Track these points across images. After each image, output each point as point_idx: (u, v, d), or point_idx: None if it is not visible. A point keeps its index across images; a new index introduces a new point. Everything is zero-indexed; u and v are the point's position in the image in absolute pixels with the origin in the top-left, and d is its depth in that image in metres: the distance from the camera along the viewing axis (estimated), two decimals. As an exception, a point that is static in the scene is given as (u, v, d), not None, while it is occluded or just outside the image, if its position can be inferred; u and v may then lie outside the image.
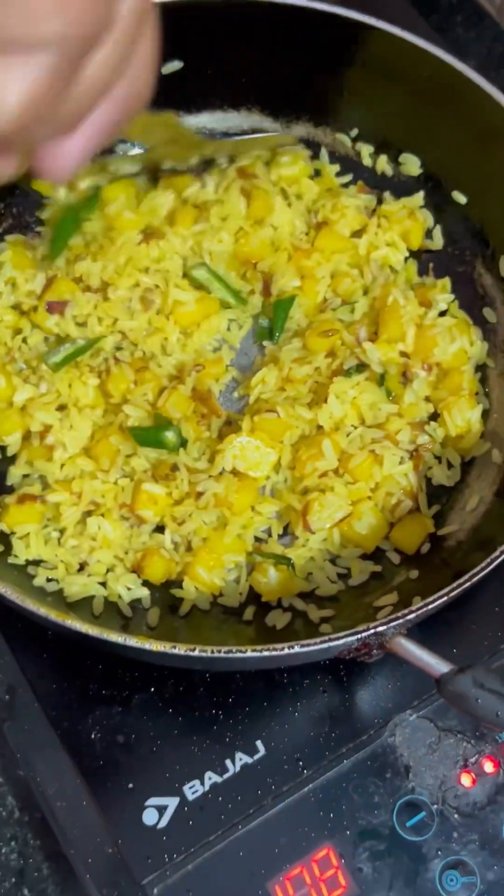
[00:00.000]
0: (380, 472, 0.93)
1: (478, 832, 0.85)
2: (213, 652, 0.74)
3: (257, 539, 0.93)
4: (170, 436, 0.92)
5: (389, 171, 1.10)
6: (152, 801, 0.84)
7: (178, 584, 0.91)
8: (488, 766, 0.87)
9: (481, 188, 1.03)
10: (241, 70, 1.08)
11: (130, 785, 0.85)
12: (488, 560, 0.78)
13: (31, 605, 0.76)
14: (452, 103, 1.01)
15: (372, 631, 0.75)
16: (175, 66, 1.05)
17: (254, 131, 1.12)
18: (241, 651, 0.74)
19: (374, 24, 0.99)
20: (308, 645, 0.74)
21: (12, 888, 0.88)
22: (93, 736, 0.86)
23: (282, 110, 1.11)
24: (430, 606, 0.76)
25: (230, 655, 0.74)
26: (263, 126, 1.12)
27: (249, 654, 0.74)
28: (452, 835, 0.85)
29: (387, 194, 1.08)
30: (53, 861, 0.89)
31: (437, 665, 0.75)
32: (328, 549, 0.92)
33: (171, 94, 1.06)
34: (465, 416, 0.96)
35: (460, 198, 1.05)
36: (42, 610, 0.76)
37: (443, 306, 1.02)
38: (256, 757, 0.86)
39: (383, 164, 1.09)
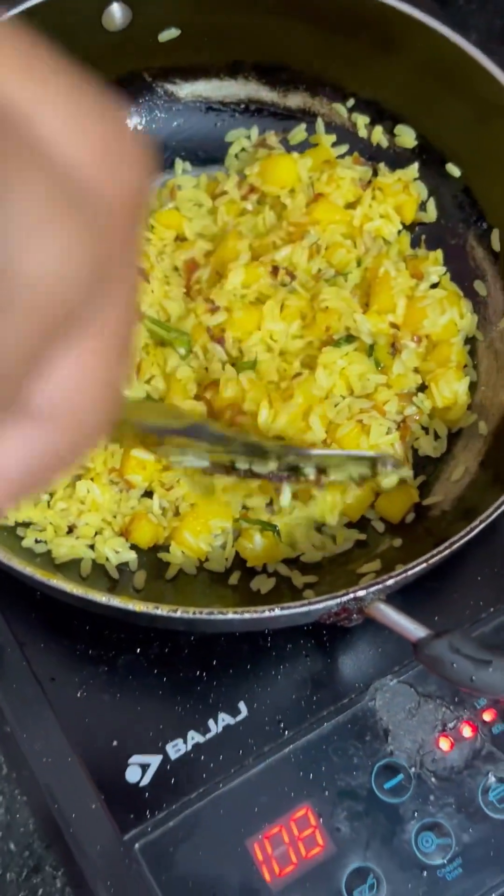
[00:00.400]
0: (367, 442, 0.94)
1: (454, 795, 0.87)
2: (195, 613, 0.76)
3: (244, 507, 0.94)
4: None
5: (385, 142, 1.10)
6: (135, 758, 0.86)
7: (165, 548, 0.93)
8: (466, 731, 0.89)
9: (476, 162, 1.04)
10: (238, 39, 1.08)
11: (115, 743, 0.87)
12: (468, 529, 0.79)
13: (17, 564, 0.78)
14: (451, 78, 1.01)
15: (351, 595, 0.76)
16: (172, 33, 1.06)
17: (250, 100, 1.12)
18: (222, 613, 0.76)
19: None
20: (288, 608, 0.76)
21: (-2, 842, 0.91)
22: (79, 694, 0.88)
23: (278, 79, 1.12)
24: (408, 573, 0.77)
25: (212, 617, 0.76)
26: (260, 95, 1.12)
27: (231, 615, 0.76)
28: (429, 798, 0.86)
29: (382, 165, 1.09)
30: (39, 816, 0.91)
31: (414, 630, 0.76)
32: (314, 517, 0.94)
33: (167, 62, 1.09)
34: (452, 388, 0.97)
35: (454, 171, 1.05)
36: (28, 569, 0.77)
37: (434, 279, 1.03)
38: (239, 718, 0.88)
39: (378, 136, 1.10)
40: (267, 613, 0.76)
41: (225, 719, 0.88)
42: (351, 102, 1.10)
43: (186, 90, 1.12)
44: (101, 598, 0.76)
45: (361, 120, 1.10)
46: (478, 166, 1.04)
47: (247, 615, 0.76)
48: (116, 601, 0.76)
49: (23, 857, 0.90)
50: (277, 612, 0.76)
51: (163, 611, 0.76)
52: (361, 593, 0.76)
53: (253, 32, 1.07)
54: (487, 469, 0.94)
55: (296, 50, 1.08)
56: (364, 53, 1.05)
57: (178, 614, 0.76)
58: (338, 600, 0.76)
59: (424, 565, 0.78)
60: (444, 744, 0.88)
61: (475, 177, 1.05)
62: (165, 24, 1.05)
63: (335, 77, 1.10)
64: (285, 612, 0.76)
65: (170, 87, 1.11)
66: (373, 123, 1.10)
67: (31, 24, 0.90)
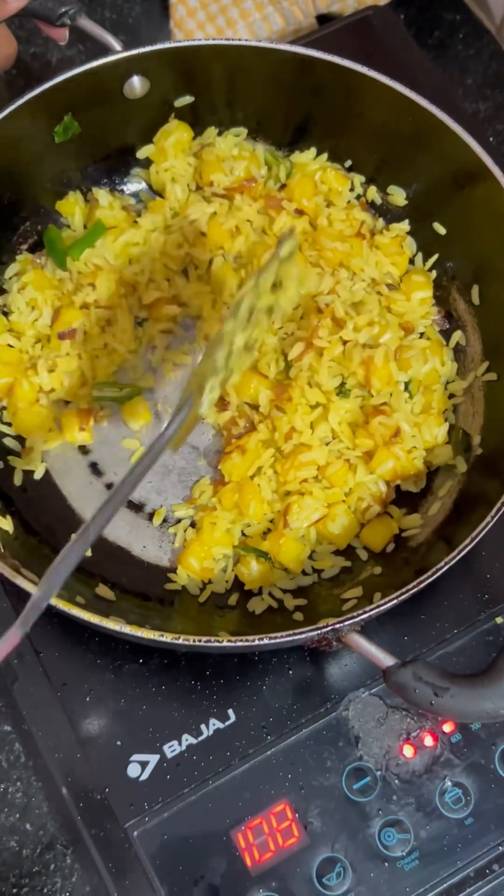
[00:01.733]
0: (353, 479, 1.05)
1: (414, 796, 0.98)
2: (195, 641, 0.86)
3: (244, 534, 1.05)
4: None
5: (378, 199, 1.20)
6: (136, 756, 0.97)
7: (172, 570, 1.04)
8: (428, 740, 1.00)
9: (458, 222, 1.13)
10: (247, 105, 1.18)
11: (118, 742, 0.98)
12: (433, 570, 0.89)
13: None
14: (431, 144, 1.11)
15: (330, 627, 0.87)
16: (186, 100, 1.15)
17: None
18: (218, 640, 0.87)
19: (365, 73, 1.07)
20: (275, 638, 0.86)
21: (17, 822, 1.02)
22: (87, 699, 0.99)
23: (284, 142, 1.21)
24: (380, 608, 0.88)
25: (209, 644, 0.86)
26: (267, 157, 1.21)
27: (225, 643, 0.87)
28: (392, 798, 0.98)
29: (380, 221, 1.19)
30: (52, 801, 1.03)
31: (383, 658, 0.86)
32: (305, 545, 1.04)
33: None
34: (433, 433, 1.07)
35: (440, 229, 1.15)
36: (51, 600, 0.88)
37: (422, 329, 1.13)
38: (228, 723, 0.99)
39: (373, 194, 1.19)
40: (256, 642, 0.86)
41: (216, 724, 0.99)
42: (349, 163, 1.20)
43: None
44: (115, 626, 0.87)
45: (357, 179, 1.20)
46: (459, 226, 1.13)
47: (239, 643, 0.86)
48: (127, 629, 0.87)
49: (37, 836, 1.02)
50: (266, 640, 0.86)
51: (167, 638, 0.86)
52: (339, 626, 0.87)
53: (260, 100, 1.17)
54: (461, 506, 1.04)
55: (299, 117, 1.18)
56: (358, 120, 1.15)
57: (181, 641, 0.86)
58: (318, 632, 0.87)
59: (395, 601, 0.88)
60: (408, 750, 0.99)
61: (457, 235, 1.14)
62: (180, 91, 1.14)
63: (334, 141, 1.19)
64: (272, 641, 0.87)
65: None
66: (368, 183, 1.20)
67: (60, 96, 1.01)
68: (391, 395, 1.06)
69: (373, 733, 1.00)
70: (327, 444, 1.05)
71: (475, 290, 1.11)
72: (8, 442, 1.08)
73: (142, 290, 1.13)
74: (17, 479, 1.06)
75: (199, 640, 0.87)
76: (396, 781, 0.98)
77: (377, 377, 1.05)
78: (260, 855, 0.95)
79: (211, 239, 1.14)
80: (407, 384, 1.08)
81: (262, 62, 1.11)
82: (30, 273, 1.11)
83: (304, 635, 0.87)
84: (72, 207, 1.16)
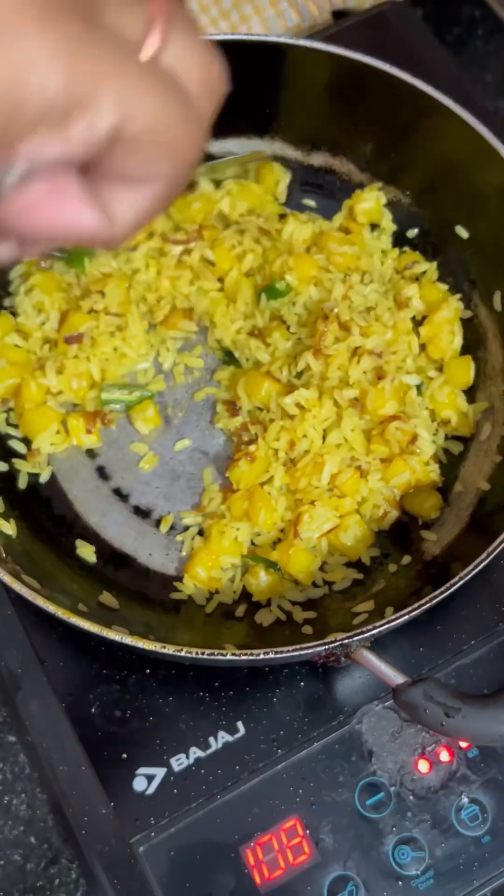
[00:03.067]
0: (366, 487, 1.02)
1: (430, 813, 0.95)
2: (198, 653, 0.84)
3: (253, 543, 1.02)
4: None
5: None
6: (142, 770, 0.95)
7: (179, 578, 1.02)
8: (444, 755, 0.97)
9: (481, 226, 1.10)
10: (265, 102, 1.15)
11: (124, 755, 0.96)
12: (446, 586, 0.87)
13: (41, 601, 0.86)
14: (450, 144, 1.08)
15: (338, 643, 0.84)
16: None
17: (276, 157, 1.19)
18: (222, 654, 0.84)
19: (383, 68, 1.05)
20: (281, 652, 0.84)
21: (20, 835, 1.01)
22: (93, 710, 0.97)
23: (302, 140, 1.18)
24: (390, 624, 0.85)
25: (213, 657, 0.84)
26: (285, 153, 1.19)
27: (230, 657, 0.84)
28: (407, 814, 0.95)
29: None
30: (57, 814, 1.01)
31: (393, 676, 0.84)
32: (316, 556, 1.01)
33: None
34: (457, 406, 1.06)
35: (463, 233, 1.12)
36: (51, 608, 0.86)
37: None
38: (237, 736, 0.97)
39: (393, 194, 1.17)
40: (261, 656, 0.84)
41: (224, 737, 0.97)
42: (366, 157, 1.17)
43: (216, 146, 1.19)
44: (115, 636, 0.85)
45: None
46: (482, 230, 1.10)
47: (243, 657, 0.84)
48: (128, 639, 0.85)
49: (42, 849, 1.00)
50: (272, 655, 0.84)
51: (169, 650, 0.84)
52: (347, 641, 0.84)
53: (278, 97, 1.15)
54: (478, 518, 1.02)
55: (318, 115, 1.15)
56: (376, 119, 1.12)
57: (183, 653, 0.84)
58: (325, 647, 0.84)
59: (406, 618, 0.86)
60: (423, 766, 0.97)
61: (480, 239, 1.11)
62: None
63: (354, 140, 1.17)
64: (278, 656, 0.84)
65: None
66: (386, 184, 1.17)
67: None
68: (405, 401, 1.04)
69: (387, 748, 0.98)
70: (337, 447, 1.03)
71: (497, 297, 1.08)
72: (14, 444, 1.06)
73: (152, 305, 1.11)
74: (22, 483, 1.04)
75: (203, 653, 0.84)
76: (411, 797, 0.96)
77: (373, 398, 1.03)
78: (269, 872, 0.93)
79: (220, 267, 1.12)
80: (419, 387, 1.05)
81: (279, 58, 1.08)
82: (37, 275, 1.09)
83: (311, 650, 0.85)
84: None
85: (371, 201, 1.15)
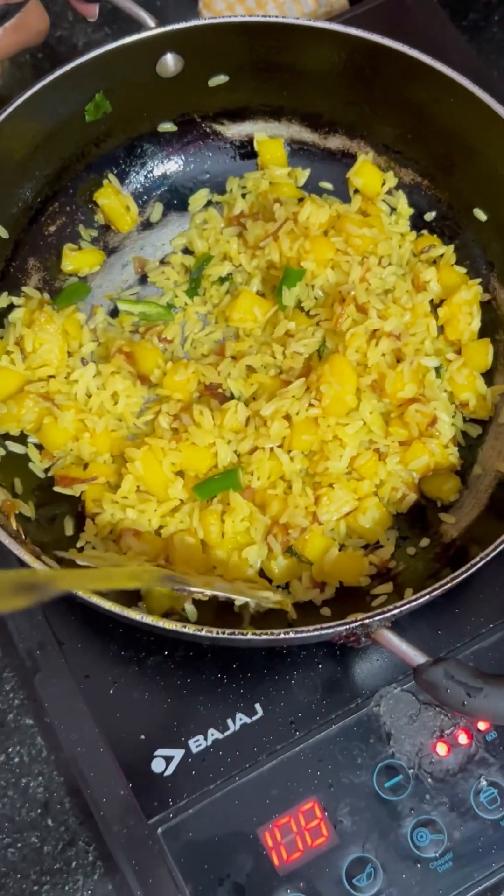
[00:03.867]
0: (385, 470, 1.02)
1: (448, 796, 0.95)
2: (217, 633, 0.84)
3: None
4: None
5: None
6: (160, 751, 0.95)
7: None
8: (462, 738, 0.97)
9: (500, 209, 1.09)
10: (282, 85, 1.15)
11: (142, 736, 0.96)
12: (464, 568, 0.87)
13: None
14: (466, 127, 1.08)
15: (358, 623, 0.84)
16: (221, 79, 1.13)
17: (293, 141, 1.19)
18: (242, 633, 0.84)
19: (400, 49, 1.04)
20: (301, 632, 0.84)
21: (38, 818, 1.00)
22: (111, 691, 0.97)
23: (319, 123, 1.18)
24: (411, 604, 0.85)
25: (233, 637, 0.84)
26: (302, 136, 1.19)
27: (250, 636, 0.84)
28: (425, 797, 0.95)
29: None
30: (74, 797, 1.01)
31: (414, 656, 0.84)
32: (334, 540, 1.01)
33: (216, 104, 1.15)
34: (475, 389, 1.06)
35: (481, 215, 1.11)
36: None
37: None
38: (255, 718, 0.97)
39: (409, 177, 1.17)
40: (282, 636, 0.84)
41: (242, 719, 0.97)
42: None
43: (233, 130, 1.18)
44: (136, 615, 0.84)
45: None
46: (501, 210, 1.09)
47: (263, 636, 0.84)
48: (149, 619, 0.84)
49: (59, 832, 1.00)
50: (292, 635, 0.84)
51: (189, 629, 0.84)
52: (368, 621, 0.84)
53: (295, 80, 1.14)
54: (497, 501, 1.01)
55: (335, 98, 1.15)
56: (392, 99, 1.11)
57: (204, 633, 0.84)
58: (346, 627, 0.84)
59: (425, 598, 0.85)
60: (442, 748, 0.96)
61: (500, 221, 1.10)
62: (215, 70, 1.12)
63: (371, 122, 1.16)
64: (298, 635, 0.84)
65: (217, 126, 1.17)
66: (402, 167, 1.17)
67: (93, 73, 1.00)
68: (424, 384, 1.03)
69: (405, 730, 0.97)
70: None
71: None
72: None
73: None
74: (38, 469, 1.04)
75: (223, 633, 0.84)
76: (429, 780, 0.95)
77: (392, 381, 1.02)
78: (288, 854, 0.92)
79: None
80: (438, 370, 1.05)
81: (299, 40, 1.08)
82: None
83: (331, 630, 0.84)
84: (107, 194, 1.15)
85: (364, 176, 1.15)
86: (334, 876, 0.92)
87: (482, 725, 0.97)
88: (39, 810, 1.01)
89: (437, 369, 1.05)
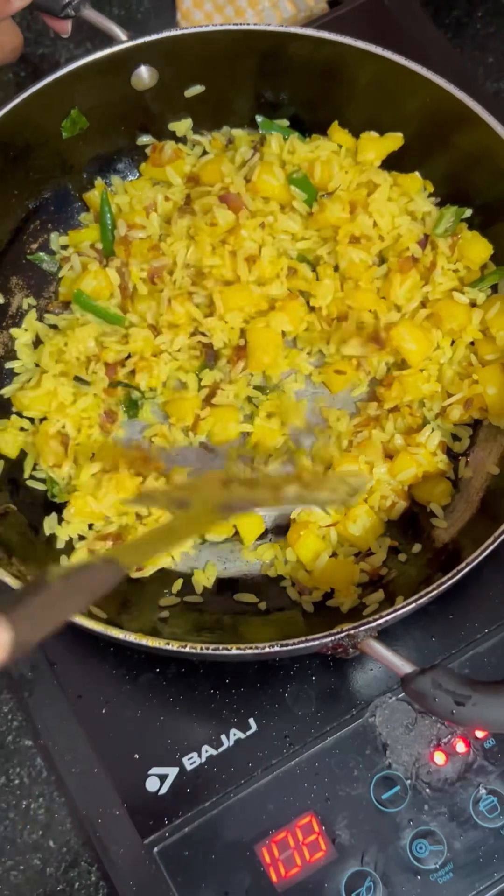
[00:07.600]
0: (371, 478, 1.01)
1: (447, 805, 0.94)
2: (202, 649, 0.83)
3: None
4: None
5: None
6: (155, 770, 0.94)
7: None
8: (460, 747, 0.96)
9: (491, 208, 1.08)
10: (256, 93, 1.14)
11: (136, 755, 0.95)
12: (451, 573, 0.86)
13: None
14: (450, 123, 1.07)
15: (344, 633, 0.83)
16: (197, 89, 1.12)
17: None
18: (226, 648, 0.83)
19: (374, 51, 1.03)
20: (286, 645, 0.83)
21: (39, 839, 1.00)
22: (104, 710, 0.97)
23: (293, 128, 1.16)
24: (396, 614, 0.84)
25: (219, 653, 0.83)
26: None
27: (235, 651, 0.83)
28: (423, 807, 0.94)
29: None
30: (75, 817, 1.00)
31: (401, 665, 0.83)
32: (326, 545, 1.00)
33: (192, 113, 1.14)
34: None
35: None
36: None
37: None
38: (249, 733, 0.96)
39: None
40: (267, 650, 0.83)
41: (236, 734, 0.96)
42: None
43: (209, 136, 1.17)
44: (119, 634, 0.84)
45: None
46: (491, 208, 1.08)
47: (248, 651, 0.83)
48: (133, 637, 0.84)
49: (61, 853, 0.99)
50: (277, 648, 0.83)
51: (173, 646, 0.83)
52: (353, 632, 0.83)
53: (269, 87, 1.13)
54: (488, 503, 1.00)
55: (309, 103, 1.14)
56: (370, 103, 1.10)
57: (188, 650, 0.83)
58: (332, 638, 0.83)
59: (413, 606, 0.84)
60: (439, 757, 0.95)
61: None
62: (191, 80, 1.11)
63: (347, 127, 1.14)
64: (285, 648, 0.83)
65: (197, 137, 1.17)
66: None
67: (70, 86, 0.99)
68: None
69: (401, 740, 0.96)
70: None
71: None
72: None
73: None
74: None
75: (208, 648, 0.83)
76: (427, 790, 0.94)
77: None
78: (286, 870, 0.92)
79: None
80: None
81: (273, 46, 1.07)
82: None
83: (317, 642, 0.84)
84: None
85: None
86: (334, 890, 0.91)
87: (480, 733, 0.96)
88: (41, 831, 1.00)
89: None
